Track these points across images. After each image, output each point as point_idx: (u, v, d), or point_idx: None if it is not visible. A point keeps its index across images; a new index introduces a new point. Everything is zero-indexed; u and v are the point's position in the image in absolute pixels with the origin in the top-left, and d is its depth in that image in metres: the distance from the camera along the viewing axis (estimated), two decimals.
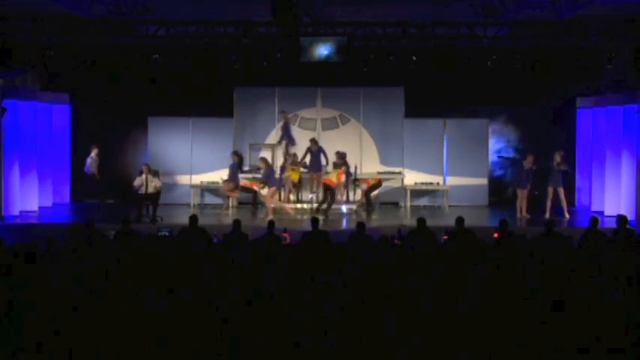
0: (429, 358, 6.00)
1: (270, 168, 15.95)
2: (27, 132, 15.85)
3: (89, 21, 15.03)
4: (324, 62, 15.52)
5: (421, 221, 11.12)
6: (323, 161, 16.67)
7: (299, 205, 16.57)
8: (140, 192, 14.84)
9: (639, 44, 14.72)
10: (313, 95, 18.07)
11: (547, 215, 15.13)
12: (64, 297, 7.03)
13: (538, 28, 15.16)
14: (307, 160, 16.78)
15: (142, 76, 17.24)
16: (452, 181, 17.73)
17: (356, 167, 16.99)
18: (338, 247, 10.69)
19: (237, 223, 11.11)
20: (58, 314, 6.51)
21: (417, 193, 17.54)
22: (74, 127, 18.15)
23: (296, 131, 17.79)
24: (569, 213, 15.48)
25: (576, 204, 17.25)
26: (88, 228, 11.24)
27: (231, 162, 16.61)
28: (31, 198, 15.94)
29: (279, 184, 16.11)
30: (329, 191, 15.82)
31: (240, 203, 17.62)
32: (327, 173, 16.35)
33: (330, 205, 15.78)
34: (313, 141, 16.67)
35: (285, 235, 11.75)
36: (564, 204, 15.43)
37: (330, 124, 18.06)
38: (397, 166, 17.66)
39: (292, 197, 16.89)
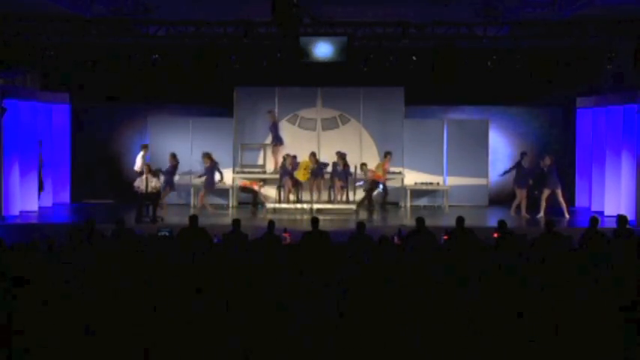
0: (429, 357, 6.00)
1: (212, 166, 15.97)
2: (27, 132, 15.85)
3: (89, 21, 15.02)
4: (324, 62, 15.52)
5: (420, 221, 11.11)
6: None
7: (299, 205, 16.57)
8: (140, 192, 14.84)
9: (639, 44, 14.71)
10: (313, 95, 18.08)
11: (541, 214, 15.19)
12: (64, 297, 7.03)
13: (538, 28, 15.14)
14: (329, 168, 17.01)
15: (142, 76, 17.23)
16: (452, 181, 17.74)
17: (356, 167, 16.99)
18: (338, 247, 10.69)
19: (236, 223, 11.11)
20: (58, 314, 6.51)
21: (417, 193, 17.55)
22: (74, 127, 18.16)
23: (296, 131, 17.84)
24: (569, 213, 15.49)
25: (576, 204, 17.26)
26: (88, 228, 11.24)
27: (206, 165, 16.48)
28: (31, 198, 15.95)
29: (213, 186, 16.16)
30: (375, 186, 16.52)
31: (240, 203, 17.64)
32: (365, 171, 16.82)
33: (385, 198, 16.82)
34: (340, 155, 16.77)
35: (285, 235, 11.74)
36: (564, 205, 15.45)
37: (330, 124, 18.07)
38: (397, 166, 17.66)
39: (292, 197, 16.89)
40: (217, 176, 16.30)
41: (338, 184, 16.77)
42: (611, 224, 12.40)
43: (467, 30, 15.28)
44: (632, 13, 14.29)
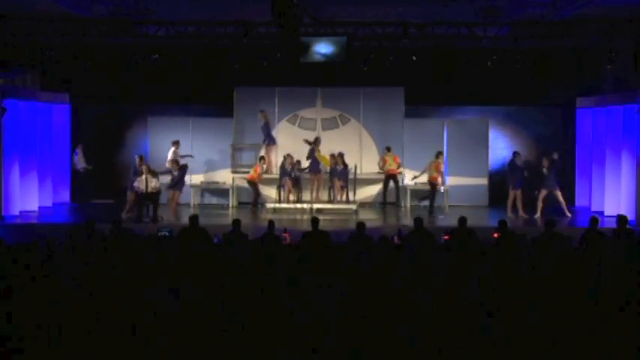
0: (429, 357, 6.00)
1: (181, 170, 15.77)
2: (27, 132, 15.85)
3: (89, 21, 15.02)
4: (324, 62, 15.51)
5: (418, 221, 11.08)
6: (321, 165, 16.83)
7: (299, 205, 16.57)
8: (140, 192, 14.84)
9: (639, 44, 14.70)
10: (313, 95, 18.09)
11: (538, 215, 15.19)
12: (63, 297, 7.04)
13: (538, 28, 15.14)
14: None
15: (142, 76, 17.23)
16: (452, 181, 17.73)
17: (356, 167, 16.99)
18: (338, 247, 10.69)
19: (236, 222, 11.10)
20: (57, 314, 6.51)
21: (417, 193, 17.54)
22: (74, 127, 18.15)
23: (296, 131, 17.85)
24: (569, 211, 15.49)
25: (576, 204, 17.25)
26: (87, 228, 11.23)
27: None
28: (31, 198, 15.96)
29: (181, 188, 15.93)
30: (392, 179, 16.95)
31: (240, 203, 17.64)
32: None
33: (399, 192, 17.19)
34: (339, 155, 16.74)
35: (285, 235, 11.74)
36: (563, 204, 15.44)
37: (330, 124, 18.07)
38: None
39: (292, 197, 16.88)
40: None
41: (338, 184, 16.77)
42: (611, 224, 12.39)
43: (467, 30, 15.28)
44: (632, 13, 14.29)
